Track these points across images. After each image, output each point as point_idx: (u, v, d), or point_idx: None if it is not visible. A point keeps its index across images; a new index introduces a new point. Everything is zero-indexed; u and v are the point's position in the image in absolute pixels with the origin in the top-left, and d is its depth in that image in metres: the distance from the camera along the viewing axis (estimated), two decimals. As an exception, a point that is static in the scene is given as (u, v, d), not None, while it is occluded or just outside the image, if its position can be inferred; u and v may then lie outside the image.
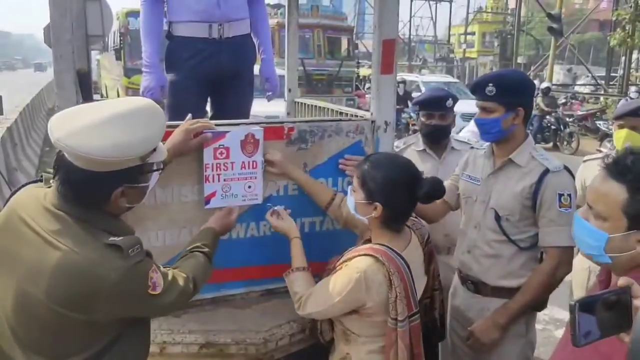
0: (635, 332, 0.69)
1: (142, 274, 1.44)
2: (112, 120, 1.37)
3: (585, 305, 1.01)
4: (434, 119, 2.85)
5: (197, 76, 2.92)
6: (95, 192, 1.41)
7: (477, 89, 2.21)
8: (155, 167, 1.53)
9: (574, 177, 2.22)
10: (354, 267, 1.83)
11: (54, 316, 1.37)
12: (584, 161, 3.10)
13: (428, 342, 2.09)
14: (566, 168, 2.18)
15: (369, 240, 1.99)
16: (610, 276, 1.42)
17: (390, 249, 1.86)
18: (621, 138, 2.88)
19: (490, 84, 2.15)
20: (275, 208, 2.14)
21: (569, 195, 2.11)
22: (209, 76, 2.96)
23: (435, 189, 1.91)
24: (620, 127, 2.95)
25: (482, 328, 2.20)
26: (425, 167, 2.82)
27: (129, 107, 1.43)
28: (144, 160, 1.44)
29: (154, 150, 1.48)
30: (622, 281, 1.06)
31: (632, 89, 14.53)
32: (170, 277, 1.55)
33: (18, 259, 1.40)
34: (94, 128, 1.34)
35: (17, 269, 1.39)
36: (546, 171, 2.14)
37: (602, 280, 1.44)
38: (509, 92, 2.16)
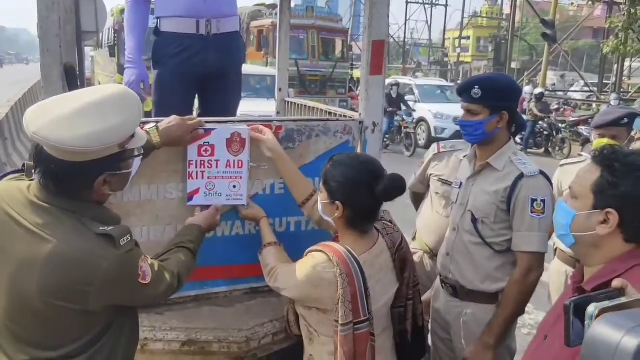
0: (585, 348, 0.68)
1: (133, 263, 1.46)
2: (87, 109, 1.36)
3: (580, 306, 1.00)
4: None
5: (183, 72, 2.91)
6: (77, 183, 1.41)
7: (463, 91, 2.22)
8: (136, 153, 1.52)
9: (551, 183, 2.22)
10: (309, 262, 1.83)
11: (48, 308, 1.37)
12: (561, 165, 3.09)
13: (402, 354, 2.07)
14: (542, 173, 2.17)
15: (336, 239, 1.98)
16: (583, 276, 1.43)
17: (348, 251, 1.82)
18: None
19: (477, 87, 2.15)
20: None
21: (543, 200, 2.10)
22: (195, 73, 2.95)
23: (395, 185, 1.81)
24: (601, 136, 2.95)
25: (474, 353, 2.18)
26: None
27: (102, 95, 1.42)
28: (123, 147, 1.44)
29: (133, 136, 1.47)
30: (616, 283, 1.06)
31: (613, 96, 14.60)
32: (157, 269, 1.57)
33: (8, 254, 1.39)
34: (69, 119, 1.33)
35: (7, 264, 1.39)
36: (521, 175, 2.13)
37: (575, 281, 1.45)
38: (494, 95, 2.17)
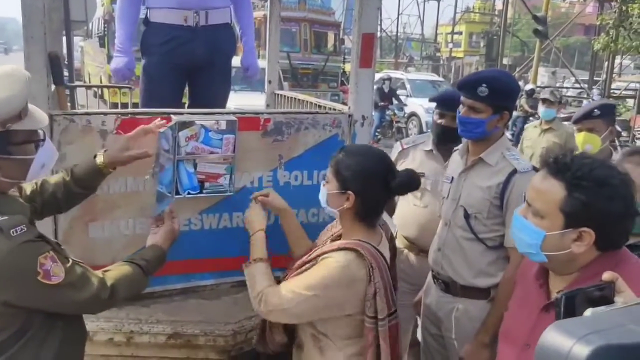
0: (537, 356, 0.67)
1: (27, 257, 1.35)
2: None
3: (570, 299, 0.97)
4: (445, 119, 2.68)
5: (170, 63, 2.90)
6: None
7: (468, 87, 2.17)
8: (36, 138, 1.43)
9: None
10: (334, 262, 1.71)
11: None
12: None
13: None
14: (535, 169, 2.15)
15: (338, 237, 1.91)
16: (548, 279, 1.42)
17: (371, 245, 1.77)
18: (580, 142, 2.92)
19: (484, 85, 2.10)
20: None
21: None
22: (183, 64, 2.94)
23: (410, 181, 1.83)
24: (579, 130, 3.01)
25: (470, 352, 2.18)
26: (429, 167, 2.74)
27: None
28: (4, 127, 1.36)
29: (20, 118, 1.39)
30: (606, 275, 1.04)
31: (595, 92, 14.68)
32: (77, 273, 1.45)
33: None
34: None
35: None
36: (514, 171, 2.13)
37: (541, 284, 1.43)
38: (500, 95, 2.14)
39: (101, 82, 13.36)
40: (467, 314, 2.25)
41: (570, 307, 0.97)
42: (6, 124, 1.36)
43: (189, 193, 2.10)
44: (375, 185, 1.79)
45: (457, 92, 2.72)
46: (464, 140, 2.75)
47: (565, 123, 5.31)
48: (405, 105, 13.88)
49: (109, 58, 12.03)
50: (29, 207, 1.53)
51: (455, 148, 2.49)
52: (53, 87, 2.11)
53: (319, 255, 1.77)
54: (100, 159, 1.77)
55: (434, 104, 2.81)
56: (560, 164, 1.30)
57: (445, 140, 2.74)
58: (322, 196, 1.87)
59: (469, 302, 2.25)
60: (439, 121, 2.73)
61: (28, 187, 1.71)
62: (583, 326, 0.66)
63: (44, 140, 1.48)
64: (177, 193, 2.07)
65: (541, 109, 4.98)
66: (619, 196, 1.26)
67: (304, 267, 1.80)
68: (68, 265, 1.43)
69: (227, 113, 2.24)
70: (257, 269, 1.83)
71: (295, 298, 1.70)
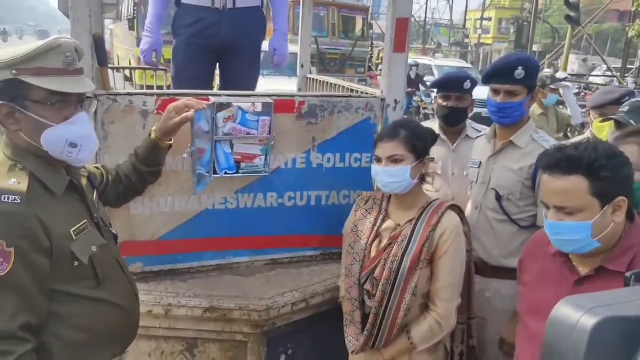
0: (548, 327, 0.72)
1: None
2: None
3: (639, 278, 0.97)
4: (450, 100, 2.71)
5: (197, 43, 2.96)
6: None
7: (504, 72, 2.19)
8: (54, 101, 1.35)
9: None
10: (454, 226, 1.90)
11: None
12: None
13: None
14: None
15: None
16: (569, 255, 1.50)
17: None
18: (604, 130, 2.84)
19: (520, 67, 2.15)
20: None
21: None
22: (210, 45, 2.98)
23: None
24: (601, 115, 2.87)
25: (510, 331, 2.21)
26: (437, 152, 2.77)
27: None
28: (15, 74, 1.30)
29: (35, 73, 1.32)
30: None
31: (629, 80, 14.26)
32: (7, 292, 1.26)
33: None
34: None
35: None
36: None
37: (564, 261, 1.51)
38: (533, 75, 2.21)
39: (130, 64, 13.51)
40: (498, 294, 2.29)
41: None
42: (12, 68, 1.31)
43: (225, 173, 2.16)
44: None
45: (459, 73, 2.79)
46: (462, 120, 2.76)
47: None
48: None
49: (138, 41, 12.16)
50: (66, 179, 1.46)
51: (478, 135, 2.54)
52: (97, 67, 2.19)
53: (430, 238, 1.89)
54: (153, 134, 1.85)
55: None
56: (572, 159, 1.39)
57: (452, 122, 2.76)
58: (403, 173, 1.90)
59: (500, 283, 2.29)
60: (445, 103, 2.73)
61: (113, 172, 1.82)
62: (591, 300, 0.71)
63: (56, 102, 1.37)
64: (215, 172, 2.14)
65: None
66: (626, 160, 1.41)
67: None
68: (9, 274, 1.25)
69: (263, 95, 2.28)
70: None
71: (457, 285, 1.96)
